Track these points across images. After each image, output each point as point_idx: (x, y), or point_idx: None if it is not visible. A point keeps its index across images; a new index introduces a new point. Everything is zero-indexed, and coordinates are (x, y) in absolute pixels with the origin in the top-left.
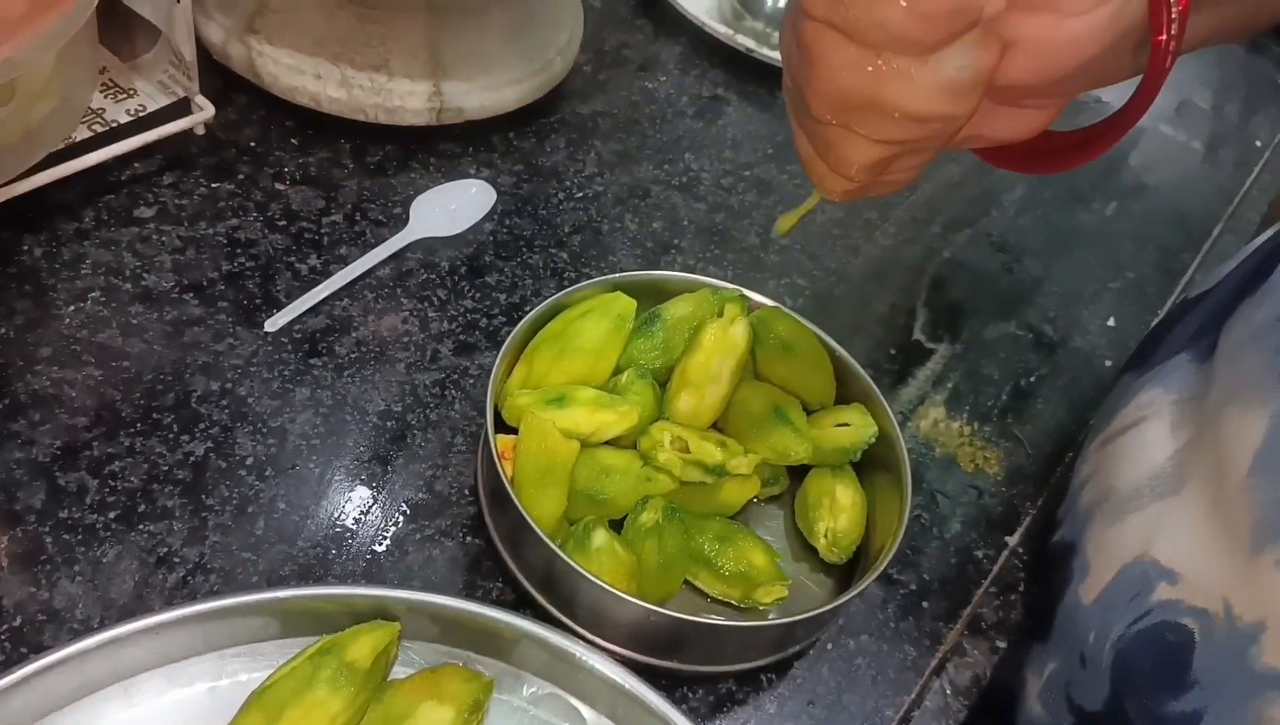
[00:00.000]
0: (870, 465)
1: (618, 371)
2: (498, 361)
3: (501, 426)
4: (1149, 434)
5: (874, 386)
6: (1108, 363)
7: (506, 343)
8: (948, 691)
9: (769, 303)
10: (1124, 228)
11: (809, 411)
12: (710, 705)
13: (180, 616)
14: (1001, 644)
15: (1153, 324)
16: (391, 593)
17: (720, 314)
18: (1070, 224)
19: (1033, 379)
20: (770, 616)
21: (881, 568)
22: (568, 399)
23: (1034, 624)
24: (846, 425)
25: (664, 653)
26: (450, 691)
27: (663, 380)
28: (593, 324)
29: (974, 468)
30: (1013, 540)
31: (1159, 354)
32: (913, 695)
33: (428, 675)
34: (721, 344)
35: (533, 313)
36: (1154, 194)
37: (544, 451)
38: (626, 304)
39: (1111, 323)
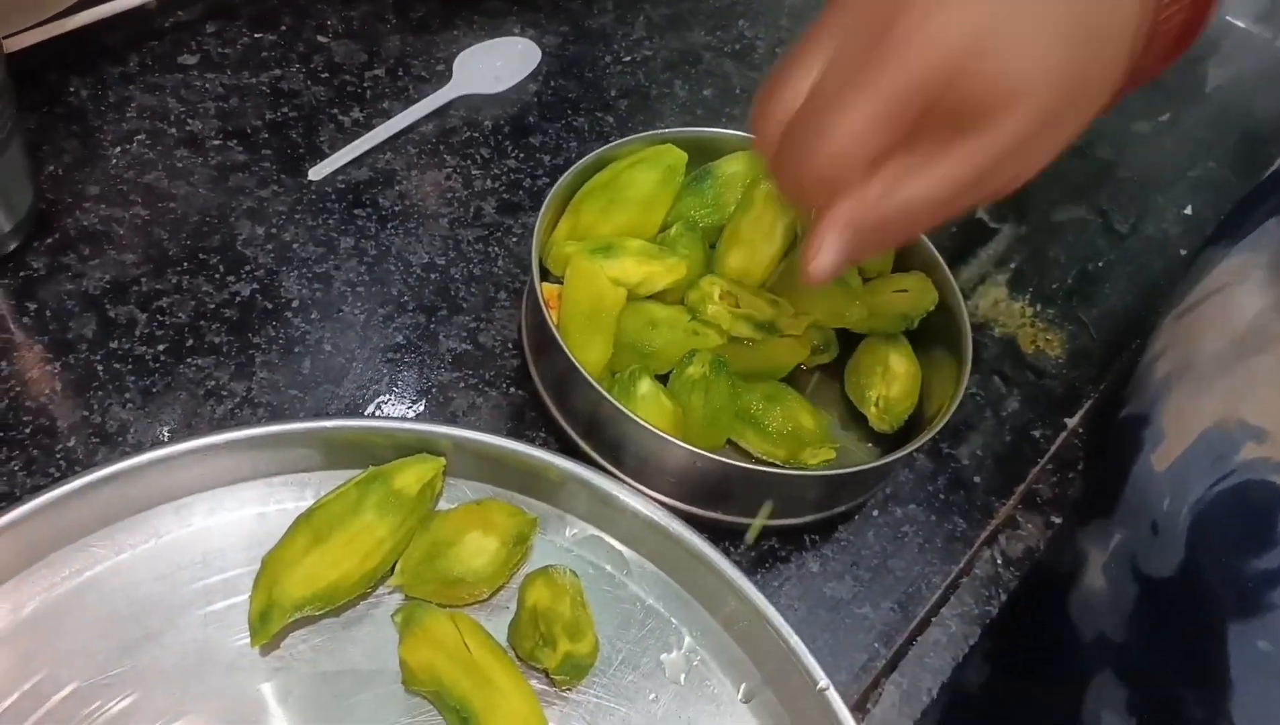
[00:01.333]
0: (927, 338)
1: (665, 227)
2: (543, 209)
3: (547, 278)
4: (1235, 298)
5: (936, 254)
6: (1182, 251)
7: (552, 191)
8: (998, 561)
9: None
10: (1203, 120)
11: (865, 278)
12: (752, 560)
13: (229, 440)
14: (1057, 519)
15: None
16: (438, 428)
17: None
18: (1149, 114)
19: (1100, 264)
20: None
21: (935, 430)
22: (615, 248)
23: (1097, 499)
24: (905, 291)
25: (707, 502)
26: (496, 523)
27: (712, 241)
28: (642, 175)
29: (1035, 349)
30: (1072, 421)
31: (1246, 226)
32: (961, 564)
33: (473, 508)
34: (775, 201)
35: (580, 163)
36: (1238, 89)
37: (590, 296)
38: (678, 156)
39: (1189, 211)
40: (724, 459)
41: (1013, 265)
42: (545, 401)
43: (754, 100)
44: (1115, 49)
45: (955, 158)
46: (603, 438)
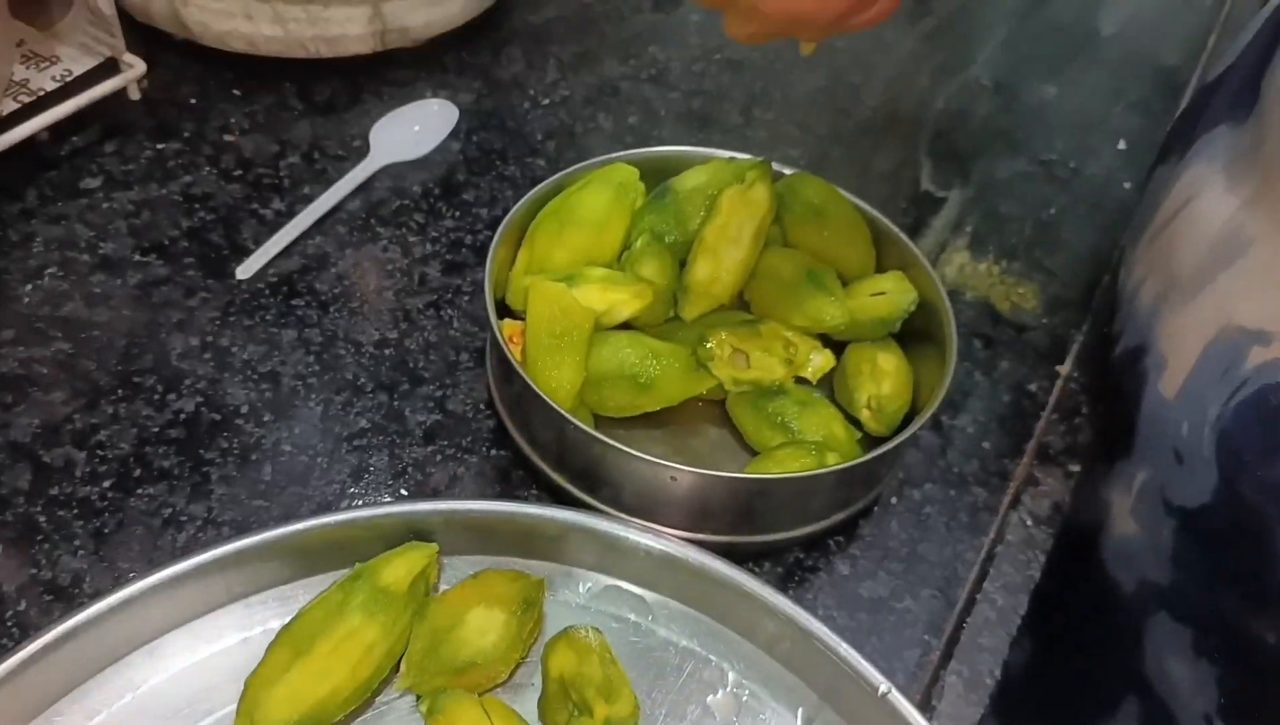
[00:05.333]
0: (911, 338)
1: (628, 246)
2: (494, 243)
3: (509, 316)
4: (1201, 208)
5: (914, 248)
6: (1126, 185)
7: (503, 224)
8: (1028, 523)
9: (788, 172)
10: (1112, 61)
11: (844, 284)
12: (779, 578)
13: (195, 565)
14: (1075, 468)
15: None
16: (421, 505)
17: (742, 181)
18: (1061, 56)
19: (1053, 211)
20: None
21: (935, 405)
22: (578, 277)
23: (1111, 443)
24: (883, 293)
25: (721, 526)
26: (498, 594)
27: (681, 257)
28: (593, 195)
29: (1010, 305)
30: (1065, 368)
31: (1191, 139)
32: (991, 535)
33: (470, 583)
34: (741, 206)
35: (531, 193)
36: (1134, 27)
37: (555, 315)
38: (628, 171)
39: (1123, 146)
40: (731, 474)
41: (969, 228)
42: (528, 454)
43: None
44: None
45: None
46: (597, 479)
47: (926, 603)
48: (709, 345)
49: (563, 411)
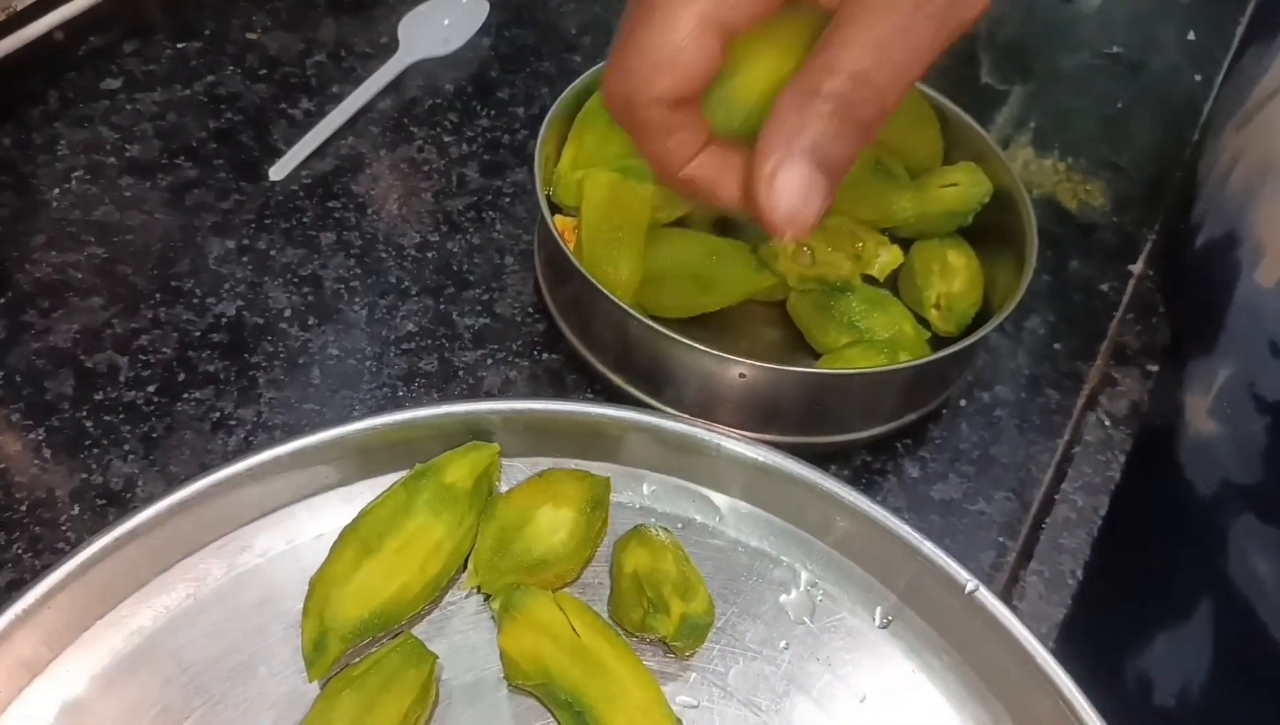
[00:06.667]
0: (978, 235)
1: None
2: (541, 136)
3: (557, 213)
4: None
5: (987, 137)
6: (1197, 78)
7: (548, 117)
8: (1106, 424)
9: None
10: None
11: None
12: (846, 480)
13: (258, 463)
14: (1153, 368)
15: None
16: (482, 405)
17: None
18: None
19: (1119, 105)
20: None
21: (1018, 298)
22: (631, 170)
23: (1191, 340)
24: (954, 185)
25: (788, 427)
26: (566, 493)
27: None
28: None
29: (1078, 203)
30: (1137, 267)
31: None
32: (1066, 437)
33: (537, 481)
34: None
35: (575, 84)
36: None
37: (611, 206)
38: None
39: (1192, 37)
40: (804, 370)
41: (1032, 124)
42: (584, 356)
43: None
44: None
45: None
46: (659, 379)
47: (1000, 505)
48: (772, 242)
49: (626, 307)
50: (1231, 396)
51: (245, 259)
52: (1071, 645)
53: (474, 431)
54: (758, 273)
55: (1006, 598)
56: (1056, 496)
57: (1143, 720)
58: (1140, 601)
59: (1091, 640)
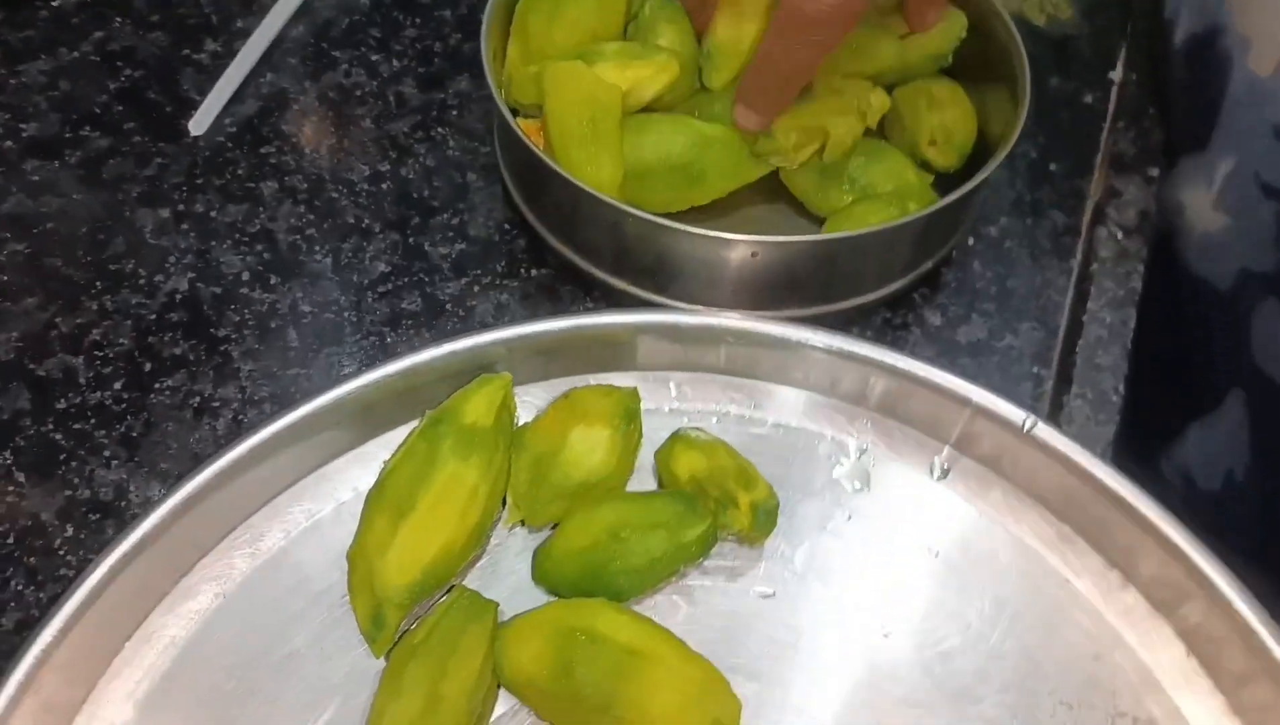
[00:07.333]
0: (963, 74)
1: (632, 17)
2: (484, 32)
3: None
4: None
5: None
6: None
7: (488, 8)
8: (1119, 236)
9: None
10: None
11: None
12: (869, 340)
13: (259, 442)
14: (1155, 172)
15: None
16: (484, 336)
17: None
18: None
19: None
20: None
21: (1020, 125)
22: (590, 55)
23: (1183, 137)
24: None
25: (805, 299)
26: (595, 410)
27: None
28: None
29: (1046, 18)
30: (1117, 74)
31: None
32: (1079, 256)
33: (561, 405)
34: None
35: None
36: None
37: (582, 101)
38: None
39: None
40: (820, 237)
41: None
42: (577, 264)
43: None
44: None
45: None
46: (663, 273)
47: (1028, 336)
48: (776, 139)
49: (619, 204)
50: (1237, 187)
51: (184, 226)
52: (1111, 459)
53: (480, 365)
54: (750, 161)
55: (1056, 425)
56: (1084, 317)
57: (1195, 507)
58: (1169, 399)
59: (1129, 445)
